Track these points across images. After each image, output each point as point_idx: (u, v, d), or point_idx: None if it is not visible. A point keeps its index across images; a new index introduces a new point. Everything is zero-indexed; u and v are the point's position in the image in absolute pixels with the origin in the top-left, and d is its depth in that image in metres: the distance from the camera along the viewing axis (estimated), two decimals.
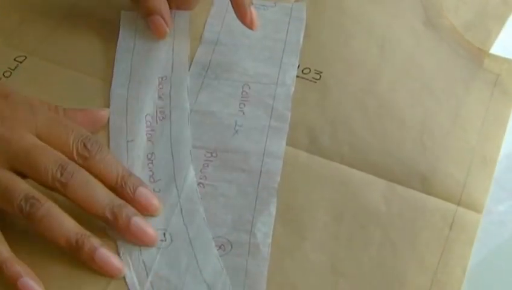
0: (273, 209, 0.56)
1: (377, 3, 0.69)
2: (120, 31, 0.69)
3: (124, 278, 0.53)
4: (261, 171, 0.59)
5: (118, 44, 0.68)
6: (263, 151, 0.60)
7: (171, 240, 0.55)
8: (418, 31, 0.67)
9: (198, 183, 0.58)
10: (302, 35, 0.68)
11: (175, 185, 0.58)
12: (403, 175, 0.59)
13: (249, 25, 0.64)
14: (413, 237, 0.55)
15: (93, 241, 0.52)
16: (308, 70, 0.65)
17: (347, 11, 0.68)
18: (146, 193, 0.56)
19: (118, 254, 0.54)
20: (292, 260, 0.54)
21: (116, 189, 0.55)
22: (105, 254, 0.52)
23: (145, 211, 0.55)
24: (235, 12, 0.64)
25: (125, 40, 0.68)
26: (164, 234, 0.55)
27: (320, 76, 0.65)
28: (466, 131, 0.61)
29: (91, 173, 0.55)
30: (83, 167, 0.54)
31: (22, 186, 0.53)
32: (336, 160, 0.60)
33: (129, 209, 0.54)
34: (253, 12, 0.63)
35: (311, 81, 0.64)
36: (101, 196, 0.54)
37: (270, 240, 0.55)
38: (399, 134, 0.61)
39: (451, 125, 0.61)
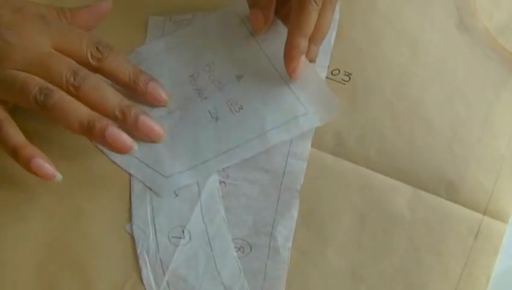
0: (295, 212, 0.56)
1: (409, 5, 0.67)
2: (147, 33, 0.68)
3: (141, 276, 0.53)
4: (284, 172, 0.58)
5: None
6: (287, 152, 0.59)
7: (190, 238, 0.55)
8: (451, 33, 0.66)
9: (220, 182, 0.58)
10: (334, 36, 0.67)
11: (196, 181, 0.58)
12: (429, 182, 0.58)
13: (290, 72, 0.60)
14: (437, 245, 0.55)
15: (104, 121, 0.56)
16: (338, 71, 0.64)
17: (379, 12, 0.67)
18: (157, 87, 0.61)
19: (136, 252, 0.54)
20: (313, 264, 0.54)
21: (130, 85, 0.60)
22: (116, 131, 0.57)
23: (157, 103, 0.61)
24: (284, 51, 0.60)
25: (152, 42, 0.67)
26: (183, 231, 0.55)
27: (350, 78, 0.64)
28: (496, 138, 0.60)
29: (105, 73, 0.59)
30: (97, 68, 0.59)
31: (37, 81, 0.56)
32: (361, 164, 0.59)
33: (137, 108, 0.59)
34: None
35: (340, 82, 0.63)
36: (111, 97, 0.58)
37: (290, 244, 0.55)
38: (428, 139, 0.60)
39: (481, 131, 0.60)
